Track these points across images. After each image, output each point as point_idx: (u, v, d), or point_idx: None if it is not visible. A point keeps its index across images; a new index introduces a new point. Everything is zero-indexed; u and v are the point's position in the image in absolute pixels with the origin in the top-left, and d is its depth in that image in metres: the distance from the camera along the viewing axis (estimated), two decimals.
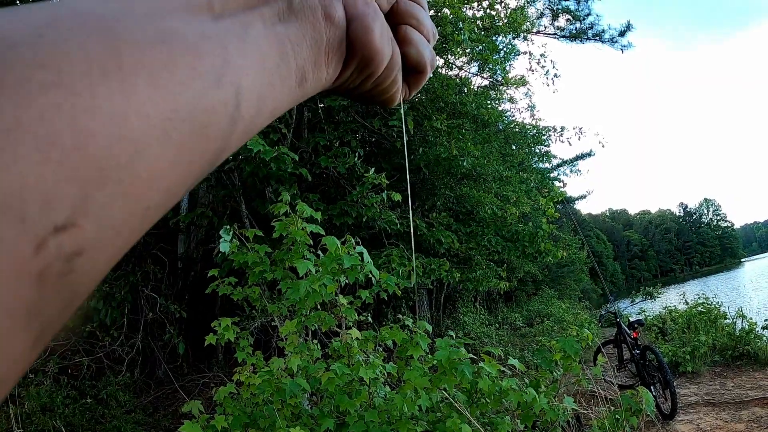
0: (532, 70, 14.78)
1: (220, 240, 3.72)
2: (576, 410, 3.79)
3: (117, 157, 0.23)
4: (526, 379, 3.68)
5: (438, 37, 0.54)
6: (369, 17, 0.42)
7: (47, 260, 0.20)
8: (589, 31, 16.32)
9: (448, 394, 3.02)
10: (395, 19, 0.47)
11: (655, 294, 26.97)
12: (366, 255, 3.27)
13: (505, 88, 14.47)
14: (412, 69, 0.50)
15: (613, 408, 4.04)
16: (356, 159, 8.02)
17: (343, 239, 3.36)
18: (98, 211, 0.22)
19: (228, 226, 3.83)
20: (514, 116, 16.52)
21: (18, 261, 0.19)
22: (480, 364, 3.07)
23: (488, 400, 3.27)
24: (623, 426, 3.72)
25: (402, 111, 0.66)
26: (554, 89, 17.66)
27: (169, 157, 0.26)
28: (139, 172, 0.24)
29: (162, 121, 0.25)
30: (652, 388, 6.67)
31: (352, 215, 8.05)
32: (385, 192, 6.78)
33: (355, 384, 3.17)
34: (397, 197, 6.32)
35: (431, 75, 0.54)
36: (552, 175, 25.45)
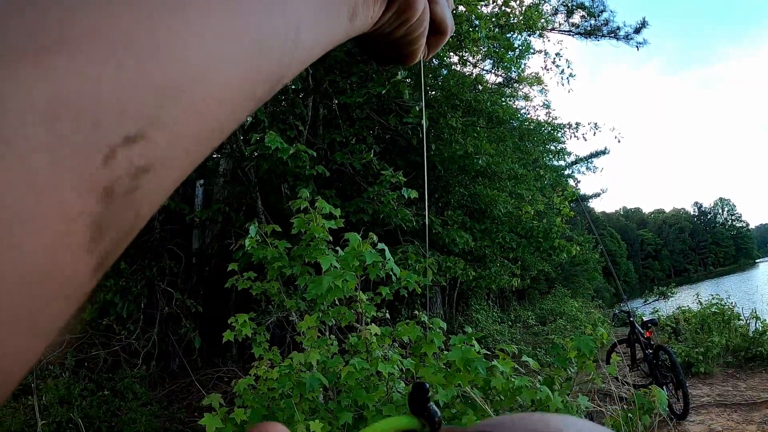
0: (547, 69, 14.73)
1: (248, 235, 3.76)
2: (590, 408, 3.81)
3: (192, 72, 0.23)
4: (540, 377, 3.69)
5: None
6: None
7: (116, 173, 0.20)
8: (604, 28, 16.22)
9: (468, 390, 3.05)
10: None
11: (669, 294, 26.81)
12: (387, 252, 3.31)
13: (519, 86, 14.45)
14: (434, 29, 0.51)
15: (626, 407, 4.05)
16: (372, 155, 8.07)
17: (362, 235, 3.40)
18: (170, 126, 0.22)
19: (254, 224, 3.88)
20: (528, 114, 16.49)
21: (87, 171, 0.19)
22: (493, 362, 3.10)
23: (502, 398, 3.30)
24: (636, 425, 3.73)
25: (422, 67, 0.71)
26: (569, 89, 17.60)
27: (238, 77, 0.26)
28: (211, 88, 0.24)
29: (233, 41, 0.25)
30: (664, 388, 6.66)
31: (369, 212, 8.10)
32: (404, 189, 6.81)
33: (373, 379, 3.22)
34: (413, 194, 6.36)
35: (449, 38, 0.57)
36: (566, 173, 25.36)
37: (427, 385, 0.41)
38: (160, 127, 0.21)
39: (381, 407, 3.05)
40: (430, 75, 10.22)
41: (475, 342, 3.31)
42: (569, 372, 3.83)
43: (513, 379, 3.19)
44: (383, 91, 7.62)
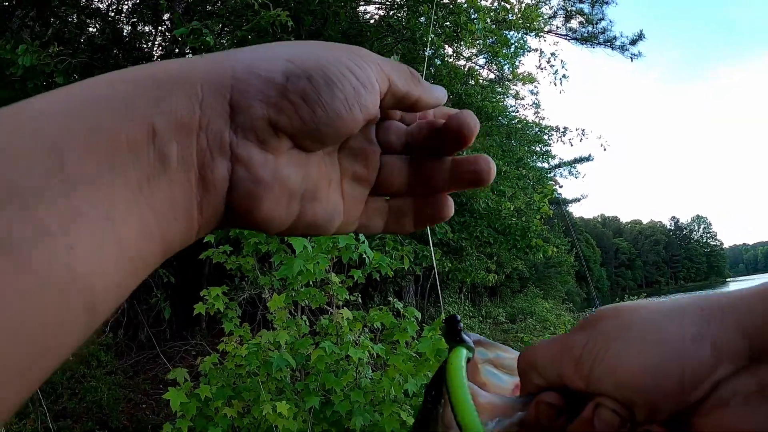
0: (541, 68, 14.73)
1: None
2: None
3: None
4: None
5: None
6: (261, 185, 0.34)
7: None
8: (601, 36, 16.25)
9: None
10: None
11: None
12: (361, 235, 3.27)
13: (511, 83, 14.45)
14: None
15: None
16: None
17: None
18: None
19: None
20: (518, 112, 16.52)
21: None
22: None
23: None
24: None
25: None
26: (561, 89, 17.62)
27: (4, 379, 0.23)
28: None
29: None
30: None
31: None
32: None
33: (342, 363, 3.18)
34: None
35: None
36: (549, 175, 25.48)
37: (458, 317, 0.46)
38: None
39: (349, 392, 3.01)
40: (424, 64, 10.14)
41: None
42: None
43: None
44: None
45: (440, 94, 0.44)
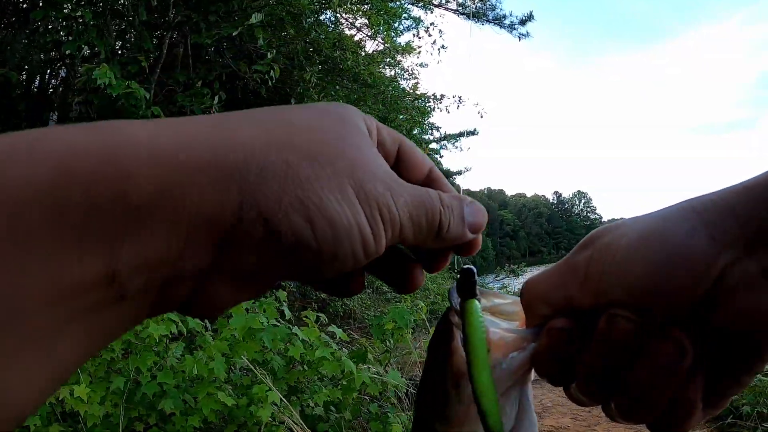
0: (419, 37, 14.61)
1: None
2: (402, 386, 3.71)
3: None
4: (353, 348, 3.56)
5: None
6: (218, 310, 0.31)
7: None
8: (490, 13, 16.34)
9: (248, 361, 2.82)
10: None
11: (519, 272, 28.19)
12: None
13: (399, 55, 14.34)
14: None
15: None
16: (214, 102, 7.45)
17: None
18: None
19: None
20: (399, 83, 16.40)
21: None
22: (293, 330, 2.90)
23: (305, 368, 3.12)
24: None
25: None
26: (438, 60, 17.62)
27: None
28: None
29: None
30: None
31: None
32: None
33: (150, 341, 2.91)
34: None
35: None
36: (434, 146, 25.79)
37: (474, 269, 0.46)
38: None
39: (156, 372, 2.76)
40: (293, 22, 9.73)
41: (285, 307, 3.11)
42: (387, 345, 3.72)
43: (313, 350, 3.00)
44: (234, 33, 7.10)
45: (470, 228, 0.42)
